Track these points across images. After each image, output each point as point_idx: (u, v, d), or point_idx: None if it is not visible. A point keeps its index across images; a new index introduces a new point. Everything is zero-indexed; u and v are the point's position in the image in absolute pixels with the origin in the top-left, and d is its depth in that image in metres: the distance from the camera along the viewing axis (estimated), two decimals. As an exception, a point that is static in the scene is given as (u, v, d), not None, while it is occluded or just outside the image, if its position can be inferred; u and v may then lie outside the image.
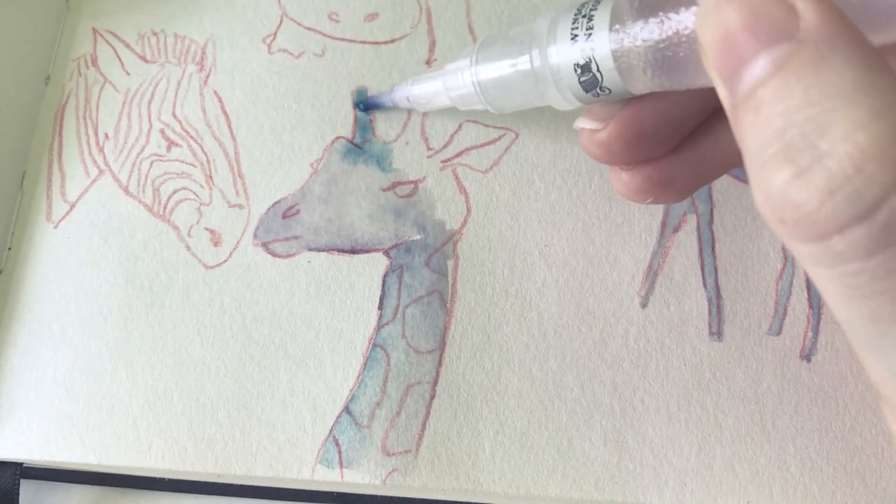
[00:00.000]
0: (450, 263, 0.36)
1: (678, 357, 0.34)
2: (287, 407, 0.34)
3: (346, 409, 0.34)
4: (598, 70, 0.25)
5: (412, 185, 0.37)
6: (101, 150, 0.39)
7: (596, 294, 0.35)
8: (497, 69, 0.29)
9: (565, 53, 0.26)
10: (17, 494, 0.35)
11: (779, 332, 0.34)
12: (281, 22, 0.40)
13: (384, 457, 0.33)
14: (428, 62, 0.38)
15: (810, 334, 0.34)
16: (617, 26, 0.24)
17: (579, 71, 0.26)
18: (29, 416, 0.35)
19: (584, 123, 0.28)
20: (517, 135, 0.37)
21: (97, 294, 0.36)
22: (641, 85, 0.24)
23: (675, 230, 0.36)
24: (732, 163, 0.30)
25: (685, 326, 0.34)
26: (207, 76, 0.39)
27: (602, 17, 0.25)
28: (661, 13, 0.22)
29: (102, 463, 0.34)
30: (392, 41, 0.39)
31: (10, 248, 0.38)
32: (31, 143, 0.39)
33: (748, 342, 0.34)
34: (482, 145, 0.37)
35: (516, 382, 0.34)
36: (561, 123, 0.37)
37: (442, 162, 0.37)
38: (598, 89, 0.26)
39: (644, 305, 0.35)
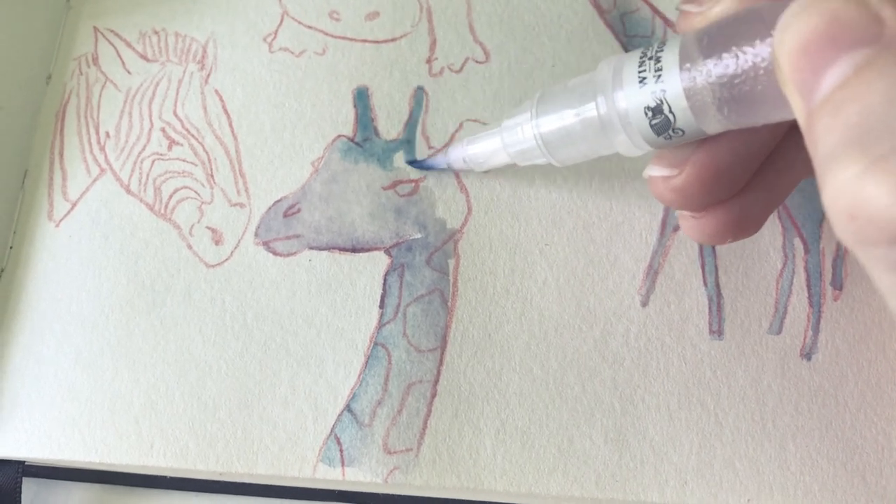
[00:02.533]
0: (451, 262, 0.36)
1: (679, 355, 0.34)
2: (288, 405, 0.34)
3: (348, 408, 0.34)
4: (671, 111, 0.25)
5: (413, 184, 0.37)
6: (103, 148, 0.39)
7: (596, 293, 0.35)
8: (560, 120, 0.29)
9: (634, 97, 0.25)
10: (19, 493, 0.35)
11: (779, 331, 0.34)
12: (282, 21, 0.40)
13: (385, 455, 0.33)
14: (428, 61, 0.39)
15: (810, 333, 0.34)
16: (688, 65, 0.23)
17: (650, 114, 0.25)
18: (31, 415, 0.35)
19: (656, 171, 0.28)
20: (518, 133, 0.37)
21: (99, 293, 0.36)
22: (716, 124, 0.24)
23: (676, 229, 0.36)
24: (797, 183, 0.29)
25: (686, 325, 0.34)
26: (208, 75, 0.39)
27: (670, 57, 0.24)
28: (734, 48, 0.22)
29: (104, 461, 0.34)
30: (393, 40, 0.39)
31: (11, 248, 0.38)
32: (33, 142, 0.40)
33: (748, 341, 0.34)
34: (483, 144, 0.37)
35: (517, 381, 0.34)
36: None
37: (443, 161, 0.37)
38: (670, 131, 0.25)
39: (644, 304, 0.35)
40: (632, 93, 0.25)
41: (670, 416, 0.33)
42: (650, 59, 0.25)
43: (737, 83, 0.22)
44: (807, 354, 0.34)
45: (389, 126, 0.38)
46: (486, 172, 0.36)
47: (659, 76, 0.24)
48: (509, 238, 0.36)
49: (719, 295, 0.35)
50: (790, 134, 0.27)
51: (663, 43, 0.25)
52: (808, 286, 0.35)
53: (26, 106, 0.40)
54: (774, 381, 0.34)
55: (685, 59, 0.24)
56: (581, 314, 0.35)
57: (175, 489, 0.35)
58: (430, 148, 0.37)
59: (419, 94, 0.38)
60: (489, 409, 0.34)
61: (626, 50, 0.38)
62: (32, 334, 0.36)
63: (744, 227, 0.29)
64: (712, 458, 0.33)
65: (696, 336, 0.34)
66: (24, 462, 0.35)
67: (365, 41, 0.39)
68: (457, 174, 0.37)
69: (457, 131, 0.37)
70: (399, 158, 0.37)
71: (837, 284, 0.35)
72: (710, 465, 0.33)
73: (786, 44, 0.19)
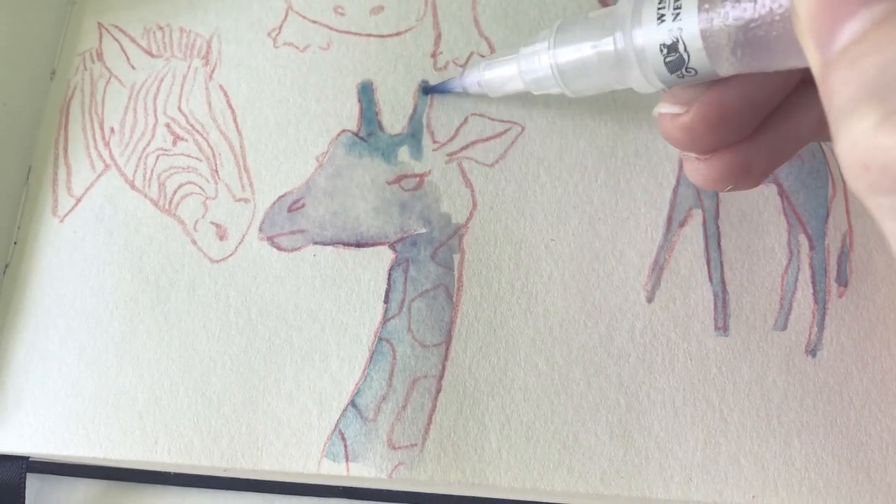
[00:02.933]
0: (455, 257, 0.36)
1: (684, 351, 0.34)
2: (293, 401, 0.34)
3: (352, 403, 0.34)
4: (686, 50, 0.25)
5: (418, 179, 0.37)
6: (107, 144, 0.39)
7: (602, 288, 0.35)
8: (577, 51, 0.29)
9: (651, 34, 0.26)
10: (24, 488, 0.35)
11: (784, 328, 0.34)
12: (286, 15, 0.40)
13: (390, 450, 0.33)
14: (433, 55, 0.38)
15: (815, 329, 0.34)
16: (706, 6, 0.24)
17: (665, 51, 0.26)
18: (35, 410, 0.35)
19: (666, 108, 0.28)
20: (523, 128, 0.37)
21: (103, 288, 0.36)
22: (728, 66, 0.24)
23: (681, 225, 0.36)
24: (805, 141, 0.29)
25: (691, 321, 0.34)
26: (213, 70, 0.39)
27: None
28: None
29: (108, 457, 0.34)
30: (397, 34, 0.39)
31: (16, 243, 0.38)
32: (37, 138, 0.40)
33: (753, 337, 0.34)
34: (488, 139, 0.37)
35: (522, 376, 0.34)
36: (567, 117, 0.37)
37: (447, 155, 0.37)
38: (683, 70, 0.26)
39: (650, 300, 0.35)
40: (650, 30, 0.26)
41: (675, 413, 0.33)
42: None
43: (752, 27, 0.23)
44: (812, 351, 0.34)
45: (394, 120, 0.38)
46: (491, 165, 0.36)
47: (677, 15, 0.25)
48: (514, 233, 0.36)
49: (724, 291, 0.35)
50: (800, 88, 0.28)
51: None
52: (813, 283, 0.35)
53: (30, 102, 0.40)
54: (779, 378, 0.34)
55: (704, 0, 0.24)
56: (586, 310, 0.35)
57: (179, 485, 0.35)
58: (434, 142, 0.37)
59: (424, 88, 0.38)
60: (494, 405, 0.34)
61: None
62: (37, 330, 0.36)
63: (746, 175, 0.29)
64: (717, 454, 0.33)
65: (701, 332, 0.34)
66: (28, 458, 0.35)
67: (370, 36, 0.39)
68: (461, 169, 0.37)
69: (462, 125, 0.37)
70: (404, 153, 0.37)
71: (842, 281, 0.35)
72: (714, 461, 0.33)
73: None
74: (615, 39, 0.28)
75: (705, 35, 0.24)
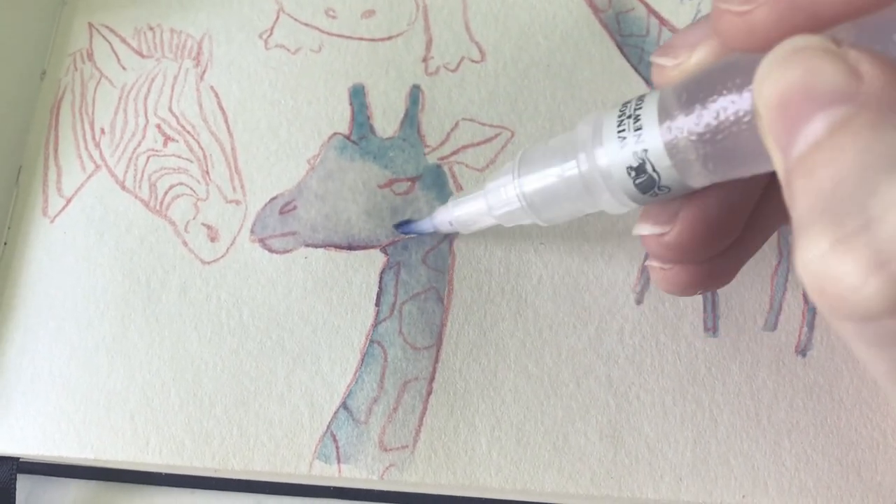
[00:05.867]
0: (446, 261, 0.36)
1: (673, 353, 0.34)
2: (284, 402, 0.34)
3: (344, 405, 0.34)
4: (654, 170, 0.24)
5: (409, 183, 0.37)
6: (98, 144, 0.39)
7: (591, 290, 0.35)
8: (542, 179, 0.28)
9: (615, 154, 0.25)
10: (14, 489, 0.35)
11: (774, 328, 0.34)
12: (277, 17, 0.40)
13: (381, 452, 0.33)
14: (425, 60, 0.39)
15: (805, 330, 0.34)
16: (668, 123, 0.23)
17: (633, 174, 0.24)
18: (26, 412, 0.35)
19: (646, 230, 0.27)
20: (513, 133, 0.37)
21: (94, 289, 0.36)
22: (702, 178, 0.23)
23: (671, 227, 0.36)
24: (770, 233, 0.29)
25: (680, 322, 0.35)
26: (204, 71, 0.39)
27: (649, 114, 0.23)
28: (713, 102, 0.21)
29: (99, 458, 0.34)
30: (389, 38, 0.39)
31: (5, 243, 0.38)
32: (27, 138, 0.39)
33: (743, 338, 0.34)
34: (478, 143, 0.37)
35: (512, 378, 0.34)
36: (556, 122, 0.37)
37: (438, 159, 0.37)
38: (655, 189, 0.24)
39: (639, 301, 0.35)
40: (612, 151, 0.25)
41: (665, 413, 0.34)
42: (629, 117, 0.24)
43: (720, 138, 0.21)
44: (802, 351, 0.34)
45: (385, 124, 0.38)
46: (482, 170, 0.37)
47: (639, 135, 0.24)
48: (504, 237, 0.36)
49: (714, 292, 0.35)
50: (772, 181, 0.26)
51: (641, 99, 0.24)
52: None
53: (21, 102, 0.40)
54: (769, 378, 0.34)
55: (664, 116, 0.23)
56: (576, 312, 0.35)
57: (170, 486, 0.35)
58: (426, 146, 0.37)
59: (415, 92, 0.38)
60: (484, 407, 0.34)
61: (621, 50, 0.39)
62: (27, 331, 0.36)
63: (718, 279, 0.28)
64: (707, 454, 0.33)
65: (690, 333, 0.34)
66: (19, 459, 0.35)
67: (361, 39, 0.39)
68: (452, 173, 0.37)
69: (452, 130, 0.37)
70: (396, 156, 0.37)
71: (831, 282, 0.35)
72: (704, 461, 0.33)
73: (763, 95, 0.18)
74: (579, 162, 0.26)
75: (672, 152, 0.23)
